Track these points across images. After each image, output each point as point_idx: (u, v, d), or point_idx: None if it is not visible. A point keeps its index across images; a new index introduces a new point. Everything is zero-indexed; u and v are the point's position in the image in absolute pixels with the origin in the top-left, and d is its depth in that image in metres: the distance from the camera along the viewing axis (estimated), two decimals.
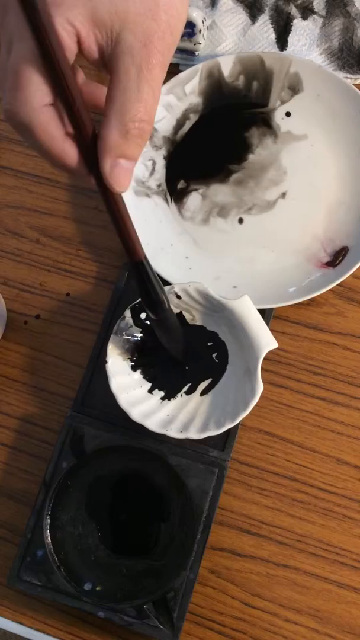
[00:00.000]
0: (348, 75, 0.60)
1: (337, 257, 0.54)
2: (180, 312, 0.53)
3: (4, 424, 0.56)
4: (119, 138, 0.31)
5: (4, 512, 0.54)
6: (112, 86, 0.31)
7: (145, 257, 0.39)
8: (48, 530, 0.50)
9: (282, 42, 0.62)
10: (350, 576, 0.50)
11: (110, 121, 0.30)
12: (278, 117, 0.59)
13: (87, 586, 0.49)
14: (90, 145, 0.31)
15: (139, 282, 0.41)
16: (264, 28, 0.63)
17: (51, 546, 0.49)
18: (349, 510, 0.51)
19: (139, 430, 0.50)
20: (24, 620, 0.51)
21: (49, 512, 0.50)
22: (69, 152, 0.31)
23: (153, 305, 0.43)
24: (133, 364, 0.53)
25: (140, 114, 0.31)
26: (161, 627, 0.47)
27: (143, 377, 0.53)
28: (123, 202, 0.35)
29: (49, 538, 0.50)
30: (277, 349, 0.51)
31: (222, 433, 0.50)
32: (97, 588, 0.49)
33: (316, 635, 0.49)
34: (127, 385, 0.52)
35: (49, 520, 0.50)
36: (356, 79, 0.61)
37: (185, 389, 0.53)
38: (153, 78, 0.31)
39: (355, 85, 0.60)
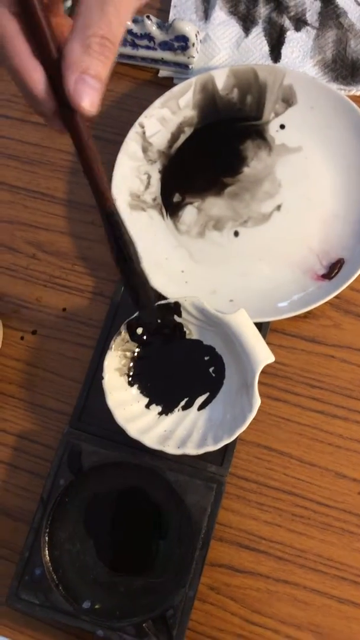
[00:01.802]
0: (342, 87, 0.60)
1: (333, 270, 0.54)
2: (181, 325, 0.53)
3: (0, 441, 0.56)
4: (80, 53, 0.31)
5: (1, 530, 0.53)
6: (77, 9, 0.31)
7: (116, 209, 0.38)
8: (46, 549, 0.49)
9: (275, 54, 0.62)
10: (351, 591, 0.49)
11: (73, 38, 0.31)
12: (272, 129, 0.59)
13: (86, 605, 0.49)
14: (55, 64, 0.31)
15: (108, 234, 0.40)
16: (258, 40, 0.63)
17: (49, 564, 0.49)
18: (348, 524, 0.51)
19: (137, 446, 0.50)
20: (22, 639, 0.51)
21: (47, 530, 0.50)
22: (36, 73, 0.31)
23: (122, 261, 0.42)
24: (130, 379, 0.53)
25: (102, 31, 0.31)
26: None
27: (140, 393, 0.53)
28: (95, 148, 0.34)
29: (47, 556, 0.49)
30: (274, 362, 0.51)
31: (220, 448, 0.50)
32: (96, 606, 0.49)
33: None
34: (124, 400, 0.52)
35: (47, 538, 0.50)
36: (350, 90, 0.61)
37: (182, 403, 0.53)
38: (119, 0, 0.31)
39: (349, 96, 0.60)
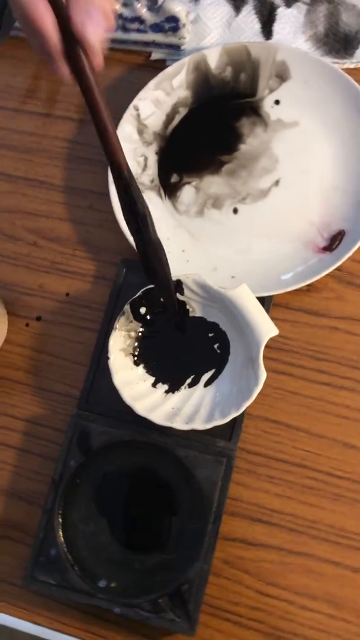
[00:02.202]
0: (335, 60, 0.60)
1: (334, 241, 0.54)
2: (184, 303, 0.53)
3: (10, 427, 0.56)
4: None
5: (15, 513, 0.54)
6: None
7: (131, 173, 0.40)
8: (60, 529, 0.50)
9: (267, 31, 0.62)
10: None
11: None
12: (267, 105, 0.59)
13: (102, 583, 0.49)
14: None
15: (120, 193, 0.42)
16: (249, 18, 0.63)
17: (64, 545, 0.49)
18: (359, 494, 0.51)
19: (145, 424, 0.50)
20: (40, 621, 0.51)
21: (60, 511, 0.50)
22: (45, 13, 0.34)
23: (135, 220, 0.43)
24: (135, 358, 0.53)
25: None
26: (177, 619, 0.47)
27: (146, 372, 0.53)
28: (107, 107, 0.37)
29: (61, 537, 0.50)
30: (278, 336, 0.51)
31: (228, 423, 0.50)
32: (112, 585, 0.49)
33: (333, 621, 0.49)
34: (131, 380, 0.52)
35: (60, 520, 0.50)
36: (343, 63, 0.60)
37: (188, 381, 0.53)
38: None
39: (343, 69, 0.60)
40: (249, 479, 0.52)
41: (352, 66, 0.60)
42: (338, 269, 0.54)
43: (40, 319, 0.59)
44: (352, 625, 0.48)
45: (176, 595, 0.48)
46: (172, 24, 0.61)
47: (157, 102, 0.60)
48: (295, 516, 0.51)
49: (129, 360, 0.53)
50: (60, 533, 0.50)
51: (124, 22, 0.62)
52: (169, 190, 0.59)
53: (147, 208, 0.42)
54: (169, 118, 0.60)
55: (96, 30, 0.34)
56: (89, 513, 0.51)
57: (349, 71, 0.60)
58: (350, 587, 0.49)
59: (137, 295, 0.52)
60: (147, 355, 0.54)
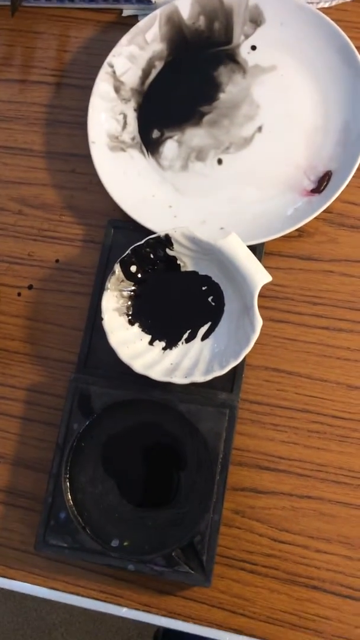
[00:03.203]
0: (310, 0, 0.59)
1: (322, 183, 0.53)
2: (174, 258, 0.52)
3: (11, 396, 0.56)
4: None
5: (22, 482, 0.54)
6: None
7: None
8: (68, 492, 0.50)
9: None
10: None
11: None
12: (244, 52, 0.58)
13: (114, 543, 0.49)
14: None
15: None
16: None
17: (73, 507, 0.49)
18: None
19: (145, 383, 0.50)
20: (56, 585, 0.51)
21: (67, 475, 0.50)
22: None
23: None
24: (130, 318, 0.53)
25: None
26: (192, 572, 0.47)
27: (141, 330, 0.53)
28: None
29: (70, 500, 0.49)
30: (273, 284, 0.50)
31: (229, 374, 0.50)
32: (125, 544, 0.49)
33: (349, 562, 0.49)
34: (127, 339, 0.52)
35: (67, 483, 0.50)
36: (318, 2, 0.59)
37: (185, 336, 0.52)
38: None
39: (318, 9, 0.58)
40: (253, 429, 0.52)
41: (326, 5, 0.59)
42: (328, 211, 0.53)
43: (32, 287, 0.58)
44: None
45: (189, 547, 0.48)
46: None
47: (132, 58, 0.59)
48: (303, 461, 0.51)
49: (124, 320, 0.53)
50: (69, 496, 0.50)
51: None
52: (151, 146, 0.58)
53: None
54: (145, 73, 0.59)
55: None
56: (96, 475, 0.51)
57: (323, 10, 0.59)
58: None
59: (126, 254, 0.52)
60: (141, 313, 0.53)
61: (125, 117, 0.59)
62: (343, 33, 0.55)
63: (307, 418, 0.51)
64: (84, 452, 0.51)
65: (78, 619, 1.31)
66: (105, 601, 0.51)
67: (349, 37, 0.55)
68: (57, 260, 0.58)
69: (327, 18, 0.55)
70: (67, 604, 0.51)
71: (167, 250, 0.52)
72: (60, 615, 1.33)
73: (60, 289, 0.57)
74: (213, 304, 0.53)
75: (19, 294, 0.58)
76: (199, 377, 0.49)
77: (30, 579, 0.52)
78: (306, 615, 0.48)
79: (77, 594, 0.51)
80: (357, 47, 0.54)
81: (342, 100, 0.55)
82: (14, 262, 0.59)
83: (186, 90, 0.59)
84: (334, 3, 0.59)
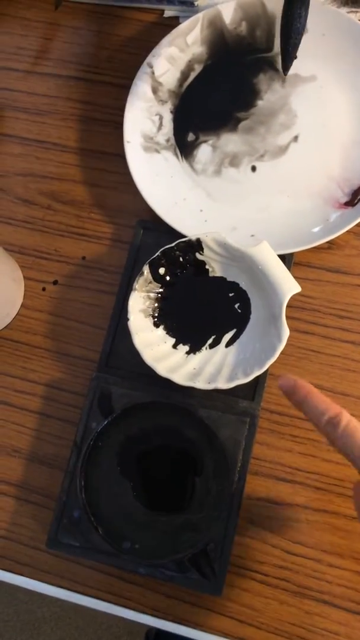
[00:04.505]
0: (353, 9, 0.59)
1: (356, 196, 0.53)
2: (203, 263, 0.52)
3: (30, 391, 0.55)
4: None
5: (37, 478, 0.53)
6: None
7: None
8: (83, 492, 0.49)
9: None
10: None
11: None
12: None
13: (126, 545, 0.49)
14: None
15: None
16: None
17: (87, 507, 0.49)
18: None
19: (166, 385, 0.50)
20: (64, 584, 0.51)
21: (83, 474, 0.50)
22: None
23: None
24: (155, 320, 0.53)
25: None
26: (203, 579, 0.47)
27: (166, 333, 0.53)
28: None
29: (84, 499, 0.49)
30: (300, 295, 0.50)
31: (251, 383, 0.49)
32: (136, 546, 0.49)
33: None
34: (151, 341, 0.51)
35: (83, 482, 0.50)
36: None
37: (209, 341, 0.52)
38: None
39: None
40: (272, 439, 0.52)
41: None
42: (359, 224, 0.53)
43: (57, 282, 0.58)
44: None
45: (202, 554, 0.48)
46: None
47: (171, 59, 0.59)
48: (320, 474, 0.50)
49: (149, 322, 0.52)
50: (84, 495, 0.49)
51: None
52: (186, 149, 0.58)
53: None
54: (184, 75, 0.59)
55: None
56: (111, 475, 0.51)
57: None
58: None
59: (155, 256, 0.51)
60: (167, 316, 0.53)
61: (161, 118, 0.58)
62: None
63: None
64: (101, 451, 0.51)
65: (69, 613, 1.31)
66: (112, 602, 0.50)
67: None
68: (83, 258, 0.58)
69: None
70: (58, 599, 0.51)
71: (197, 255, 0.52)
72: (51, 609, 1.33)
73: (85, 286, 0.57)
74: (239, 311, 0.52)
75: (44, 289, 0.58)
76: (222, 384, 0.49)
77: (38, 576, 0.52)
78: (315, 629, 0.48)
79: (85, 594, 0.51)
80: None
81: None
82: (40, 256, 0.59)
83: (224, 95, 0.58)
84: None
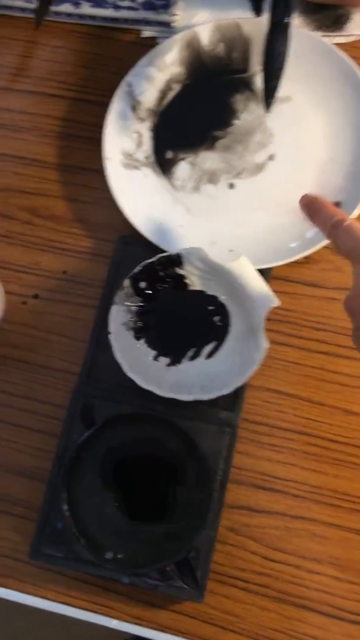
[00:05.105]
0: (326, 34, 0.61)
1: None
2: (183, 276, 0.53)
3: (10, 404, 0.56)
4: None
5: (17, 490, 0.54)
6: None
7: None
8: (65, 503, 0.50)
9: (257, 7, 0.62)
10: None
11: None
12: (260, 81, 0.60)
13: (108, 555, 0.49)
14: None
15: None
16: None
17: (70, 518, 0.49)
18: None
19: (148, 397, 0.51)
20: (47, 594, 0.51)
21: (65, 485, 0.50)
22: None
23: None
24: (136, 332, 0.54)
25: None
26: (186, 587, 0.48)
27: (147, 346, 0.54)
28: None
29: (66, 511, 0.50)
30: (278, 308, 0.52)
31: (231, 394, 0.51)
32: (118, 556, 0.49)
33: (338, 583, 0.50)
34: (132, 353, 0.52)
35: (65, 494, 0.50)
36: (334, 37, 0.61)
37: (190, 354, 0.53)
38: None
39: (334, 44, 0.60)
40: (252, 448, 0.53)
41: (342, 40, 0.61)
42: None
43: (38, 296, 0.58)
44: (357, 586, 0.50)
45: (184, 562, 0.48)
46: (163, 1, 0.61)
47: (150, 79, 0.60)
48: (298, 482, 0.52)
49: (130, 335, 0.53)
50: (66, 506, 0.50)
51: (115, 0, 0.62)
52: (165, 166, 0.59)
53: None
54: (163, 94, 0.61)
55: None
56: (94, 486, 0.51)
57: (339, 46, 0.61)
58: (355, 550, 0.50)
59: (136, 270, 0.52)
60: (147, 329, 0.54)
61: (140, 136, 0.60)
62: (357, 70, 0.57)
63: (305, 440, 0.53)
64: (83, 463, 0.51)
65: (43, 626, 1.30)
66: (96, 612, 0.51)
67: None
68: (64, 272, 0.59)
69: (341, 53, 0.58)
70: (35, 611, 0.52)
71: (177, 269, 0.53)
72: (27, 622, 1.31)
73: (66, 300, 0.58)
74: (219, 324, 0.54)
75: (24, 303, 0.58)
76: (203, 395, 0.50)
77: (21, 587, 0.52)
78: (294, 634, 0.49)
79: (68, 604, 0.51)
80: None
81: (353, 135, 0.57)
82: (21, 270, 0.59)
83: (202, 114, 0.60)
84: (350, 39, 0.61)
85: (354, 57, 0.58)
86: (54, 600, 0.51)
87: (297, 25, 0.62)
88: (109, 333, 0.52)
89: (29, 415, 0.55)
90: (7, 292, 0.58)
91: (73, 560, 0.49)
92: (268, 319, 0.52)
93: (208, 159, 0.59)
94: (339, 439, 0.52)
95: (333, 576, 0.50)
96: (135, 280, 0.53)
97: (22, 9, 0.66)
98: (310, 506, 0.51)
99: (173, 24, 0.63)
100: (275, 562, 0.51)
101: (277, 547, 0.51)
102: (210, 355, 0.53)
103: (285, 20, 0.51)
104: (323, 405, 0.53)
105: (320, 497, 0.51)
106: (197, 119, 0.60)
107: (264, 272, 0.54)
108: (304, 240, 0.55)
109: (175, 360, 0.53)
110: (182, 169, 0.59)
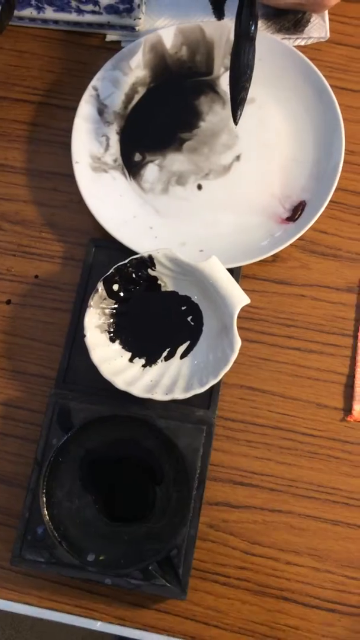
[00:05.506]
0: (287, 36, 0.62)
1: (296, 212, 0.56)
2: (155, 278, 0.54)
3: None
4: None
5: None
6: None
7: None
8: (45, 508, 0.50)
9: (218, 11, 0.63)
10: (343, 513, 0.52)
11: None
12: (224, 83, 0.61)
13: (90, 557, 0.50)
14: None
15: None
16: None
17: (50, 523, 0.50)
18: (334, 450, 0.53)
19: (124, 398, 0.51)
20: (31, 600, 0.52)
21: (44, 490, 0.50)
22: None
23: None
24: (111, 335, 0.54)
25: None
26: (168, 585, 0.48)
27: (122, 347, 0.54)
28: None
29: (47, 515, 0.50)
30: (248, 306, 0.53)
31: (206, 393, 0.51)
32: (100, 558, 0.50)
33: (317, 574, 0.51)
34: (108, 356, 0.53)
35: (44, 498, 0.50)
36: (295, 40, 0.62)
37: (164, 354, 0.54)
38: None
39: (294, 47, 0.61)
40: (228, 445, 0.54)
41: (302, 43, 0.63)
42: (301, 238, 0.56)
43: (10, 302, 0.58)
44: (335, 575, 0.51)
45: (166, 561, 0.49)
46: (127, 5, 0.62)
47: (115, 82, 0.60)
48: (275, 476, 0.53)
49: (105, 337, 0.54)
50: (46, 511, 0.50)
51: (78, 4, 0.62)
52: (133, 169, 0.60)
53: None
54: (129, 97, 0.61)
55: None
56: (73, 490, 0.52)
57: (299, 48, 0.62)
58: (331, 540, 0.51)
59: (109, 272, 0.53)
60: (122, 331, 0.54)
61: (108, 139, 0.60)
62: (317, 70, 0.58)
63: (279, 435, 0.54)
64: (62, 467, 0.51)
65: (24, 635, 1.29)
66: (79, 615, 0.51)
67: (323, 75, 0.58)
68: (36, 276, 0.59)
69: (303, 56, 0.59)
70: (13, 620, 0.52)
71: (149, 270, 0.54)
72: (6, 632, 1.30)
73: (39, 305, 0.58)
74: (192, 323, 0.54)
75: None
76: (179, 394, 0.51)
77: (3, 594, 0.52)
78: (276, 626, 0.50)
79: (52, 609, 0.51)
80: (330, 85, 0.58)
81: (315, 135, 0.59)
82: None
83: (168, 116, 0.61)
84: (309, 42, 0.63)
85: (314, 59, 0.59)
86: (37, 606, 0.51)
87: (259, 28, 0.63)
88: (85, 336, 0.52)
89: (6, 422, 0.55)
90: None
91: (55, 564, 0.49)
92: (239, 317, 0.53)
93: (176, 160, 0.60)
94: (313, 432, 0.54)
95: (312, 567, 0.51)
96: (108, 283, 0.53)
97: None
98: (287, 499, 0.52)
99: (137, 28, 0.63)
100: (255, 555, 0.51)
101: (256, 541, 0.52)
102: (184, 354, 0.54)
103: (251, 32, 0.51)
104: (296, 400, 0.54)
105: (296, 489, 0.53)
106: (164, 121, 0.61)
107: (234, 271, 0.55)
108: (272, 239, 0.56)
109: (150, 361, 0.54)
110: (151, 171, 0.60)
